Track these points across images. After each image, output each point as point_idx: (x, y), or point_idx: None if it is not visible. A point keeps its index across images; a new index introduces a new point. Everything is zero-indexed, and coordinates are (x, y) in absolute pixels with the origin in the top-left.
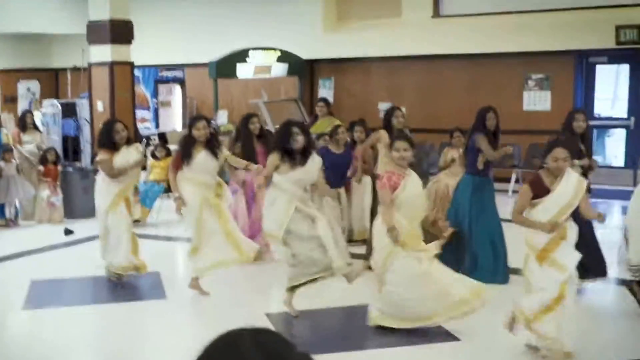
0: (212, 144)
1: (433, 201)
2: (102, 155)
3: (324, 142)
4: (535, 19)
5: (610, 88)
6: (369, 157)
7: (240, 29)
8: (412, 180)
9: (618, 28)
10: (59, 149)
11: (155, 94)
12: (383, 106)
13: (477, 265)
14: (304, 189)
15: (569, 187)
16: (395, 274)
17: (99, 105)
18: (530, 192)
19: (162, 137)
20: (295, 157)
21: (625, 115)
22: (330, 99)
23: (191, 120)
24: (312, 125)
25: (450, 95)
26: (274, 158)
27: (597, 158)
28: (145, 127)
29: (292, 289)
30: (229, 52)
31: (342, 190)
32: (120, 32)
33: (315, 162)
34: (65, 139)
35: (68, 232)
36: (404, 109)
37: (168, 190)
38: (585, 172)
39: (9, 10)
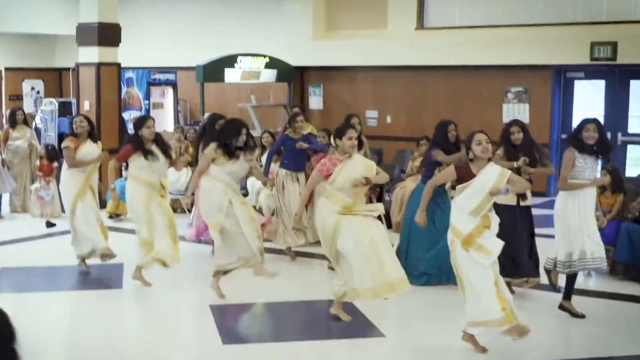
0: (162, 145)
1: (399, 206)
2: (66, 142)
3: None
4: (515, 32)
5: (587, 103)
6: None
7: (233, 35)
8: (353, 162)
9: (593, 44)
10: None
11: (147, 95)
12: (371, 114)
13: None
14: (237, 180)
15: (492, 174)
16: (347, 238)
17: (86, 105)
18: (454, 173)
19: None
20: (233, 151)
21: None
22: (320, 106)
23: (140, 120)
24: (285, 130)
25: (432, 105)
26: (211, 150)
27: None
28: None
29: (217, 273)
30: (217, 57)
31: (301, 175)
32: (108, 34)
33: (247, 158)
34: (60, 137)
35: (49, 224)
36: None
37: None
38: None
39: (15, 11)
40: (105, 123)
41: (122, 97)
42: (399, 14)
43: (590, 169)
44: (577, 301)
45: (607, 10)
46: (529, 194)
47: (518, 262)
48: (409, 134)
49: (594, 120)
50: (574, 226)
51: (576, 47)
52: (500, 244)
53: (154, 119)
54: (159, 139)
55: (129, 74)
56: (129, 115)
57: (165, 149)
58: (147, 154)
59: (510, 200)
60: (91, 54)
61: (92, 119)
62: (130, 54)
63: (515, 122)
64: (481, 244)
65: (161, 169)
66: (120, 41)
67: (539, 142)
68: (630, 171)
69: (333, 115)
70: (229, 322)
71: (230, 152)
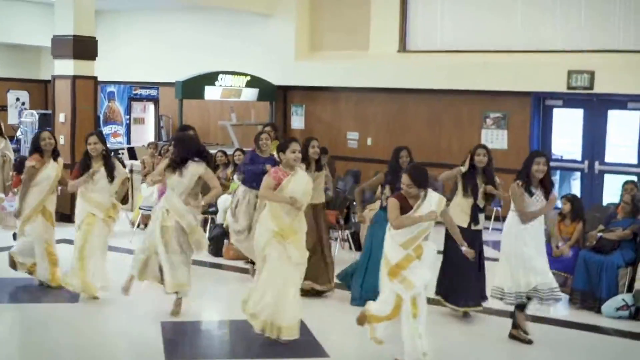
0: (108, 164)
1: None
2: (31, 161)
3: None
4: (495, 58)
5: (566, 131)
6: None
7: (216, 52)
8: (297, 179)
9: (570, 73)
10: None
11: (128, 110)
12: (352, 135)
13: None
14: (180, 194)
15: (431, 206)
16: (269, 262)
17: (61, 117)
18: (398, 203)
19: (131, 151)
20: (179, 166)
21: (579, 158)
22: (302, 126)
23: (86, 136)
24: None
25: (412, 128)
26: (164, 163)
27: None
28: (118, 141)
29: (133, 277)
30: (196, 74)
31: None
32: (83, 48)
33: (190, 172)
34: None
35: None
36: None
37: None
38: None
39: (0, 21)
40: (80, 136)
41: (103, 111)
42: (381, 36)
43: (541, 202)
44: (532, 328)
45: (585, 38)
46: (482, 218)
47: (457, 288)
48: (389, 156)
49: (544, 155)
50: (517, 257)
51: (554, 75)
52: (426, 277)
53: (97, 133)
54: (107, 157)
55: (110, 88)
56: (110, 130)
57: (110, 168)
58: (86, 172)
59: (461, 222)
60: (66, 67)
61: (67, 132)
62: (113, 68)
63: (483, 146)
64: (405, 276)
65: (106, 188)
66: (96, 55)
67: (518, 168)
68: (608, 200)
69: (314, 135)
70: (177, 339)
71: (174, 164)
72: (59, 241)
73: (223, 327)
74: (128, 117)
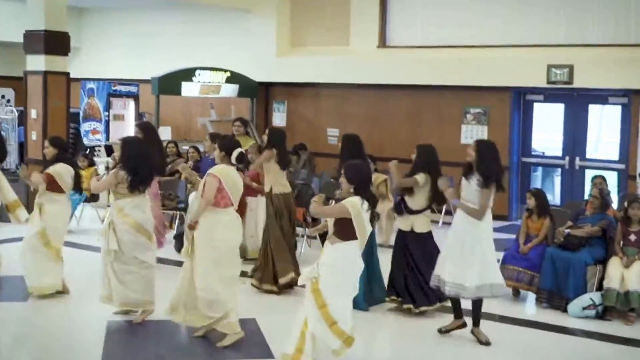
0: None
1: None
2: None
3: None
4: (475, 53)
5: (547, 126)
6: (263, 177)
7: (197, 49)
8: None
9: (549, 67)
10: (16, 155)
11: (107, 107)
12: (332, 132)
13: None
14: None
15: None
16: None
17: (33, 113)
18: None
19: (108, 148)
20: None
21: (560, 154)
22: (283, 123)
23: None
24: None
25: (393, 124)
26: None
27: None
28: (97, 138)
29: None
30: (171, 70)
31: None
32: (55, 43)
33: None
34: (20, 145)
35: None
36: None
37: (89, 199)
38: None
39: None
40: (52, 132)
41: (83, 107)
42: (361, 31)
43: (473, 191)
44: (493, 327)
45: (564, 32)
46: (421, 222)
47: (394, 283)
48: (371, 153)
49: (476, 141)
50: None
51: (533, 70)
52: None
53: (50, 138)
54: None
55: (90, 85)
56: (90, 126)
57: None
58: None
59: (403, 225)
60: (38, 63)
61: (39, 129)
62: (94, 65)
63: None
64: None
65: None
66: (69, 50)
67: None
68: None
69: (296, 132)
70: (118, 339)
71: None
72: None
73: (170, 328)
74: (107, 113)
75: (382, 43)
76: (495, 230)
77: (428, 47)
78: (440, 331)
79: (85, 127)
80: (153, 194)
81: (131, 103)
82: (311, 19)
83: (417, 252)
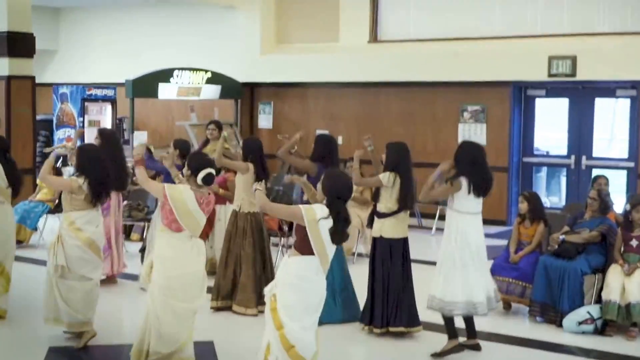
0: None
1: None
2: None
3: None
4: (471, 46)
5: (550, 124)
6: (231, 185)
7: (176, 49)
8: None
9: (551, 59)
10: None
11: (82, 112)
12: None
13: None
14: None
15: None
16: None
17: None
18: None
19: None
20: None
21: (565, 153)
22: (270, 125)
23: None
24: (202, 149)
25: (385, 124)
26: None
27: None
28: (72, 146)
29: None
30: (148, 71)
31: None
32: (19, 44)
33: None
34: None
35: None
36: None
37: (53, 211)
38: None
39: None
40: (17, 141)
41: (56, 114)
42: (351, 25)
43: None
44: (481, 345)
45: (566, 21)
46: (389, 227)
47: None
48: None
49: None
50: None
51: (534, 62)
52: None
53: None
54: None
55: (62, 90)
56: (64, 134)
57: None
58: None
59: (373, 231)
60: (1, 66)
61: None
62: (70, 68)
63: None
64: None
65: None
66: (34, 52)
67: (498, 165)
68: None
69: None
70: None
71: None
72: None
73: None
74: (82, 119)
75: (374, 38)
76: (492, 236)
77: (422, 41)
78: (436, 355)
79: (59, 134)
80: (104, 208)
81: (108, 108)
82: (298, 13)
83: (383, 261)
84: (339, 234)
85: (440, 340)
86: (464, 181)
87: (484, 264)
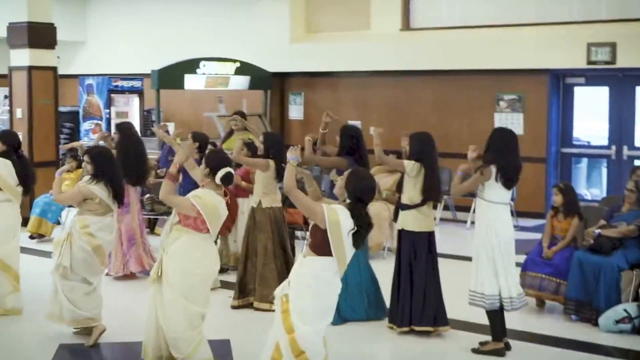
0: None
1: None
2: None
3: None
4: (508, 33)
5: (589, 113)
6: (254, 177)
7: (204, 39)
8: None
9: (589, 46)
10: None
11: (108, 104)
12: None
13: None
14: None
15: None
16: None
17: (18, 112)
18: None
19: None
20: None
21: (605, 143)
22: (300, 116)
23: None
24: (226, 140)
25: (419, 114)
26: None
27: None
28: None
29: None
30: (174, 61)
31: None
32: (39, 35)
33: None
34: None
35: None
36: None
37: None
38: None
39: None
40: (39, 133)
41: (82, 105)
42: (383, 13)
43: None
44: (512, 345)
45: (606, 7)
46: (411, 219)
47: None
48: (392, 146)
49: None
50: None
51: (572, 49)
52: None
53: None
54: None
55: (88, 81)
56: (90, 125)
57: None
58: None
59: (398, 224)
60: (22, 57)
61: (25, 128)
62: (97, 60)
63: None
64: None
65: None
66: (55, 43)
67: (535, 156)
68: None
69: (314, 126)
70: None
71: None
72: None
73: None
74: (108, 111)
75: (406, 25)
76: (529, 229)
77: (456, 28)
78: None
79: (85, 126)
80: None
81: (135, 99)
82: (328, 1)
83: (405, 255)
84: (361, 237)
85: (472, 340)
86: (493, 169)
87: (511, 259)
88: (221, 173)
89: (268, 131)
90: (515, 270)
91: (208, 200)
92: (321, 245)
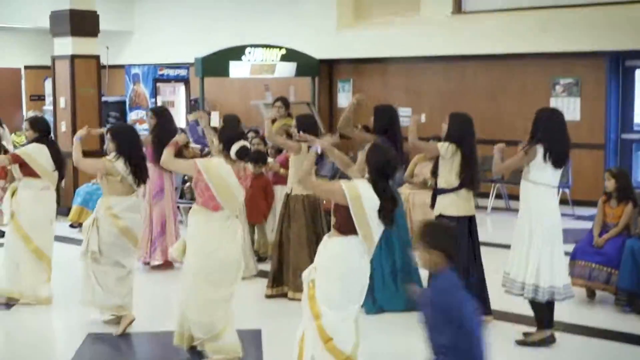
0: None
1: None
2: None
3: None
4: (564, 15)
5: None
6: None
7: (250, 26)
8: None
9: None
10: None
11: (154, 93)
12: (404, 112)
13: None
14: None
15: None
16: None
17: (62, 102)
18: None
19: None
20: None
21: None
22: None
23: None
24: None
25: (471, 99)
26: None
27: None
28: (144, 128)
29: None
30: (219, 49)
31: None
32: (82, 23)
33: None
34: None
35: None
36: None
37: None
38: None
39: (31, 5)
40: (82, 122)
41: (129, 95)
42: None
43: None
44: (559, 338)
45: None
46: (447, 204)
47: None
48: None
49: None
50: None
51: (631, 30)
52: None
53: (31, 119)
54: None
55: (135, 70)
56: (136, 115)
57: None
58: None
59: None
60: (65, 46)
61: (68, 118)
62: (145, 50)
63: None
64: None
65: None
66: (98, 31)
67: (593, 142)
68: None
69: (363, 114)
70: (94, 352)
71: None
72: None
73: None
74: (154, 100)
75: (457, 8)
76: (586, 218)
77: (509, 11)
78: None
79: (132, 116)
80: (157, 191)
81: (181, 88)
82: None
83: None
84: (387, 213)
85: (515, 332)
86: (539, 149)
87: (556, 247)
88: (236, 147)
89: (302, 114)
90: (563, 259)
91: (212, 164)
92: (346, 224)
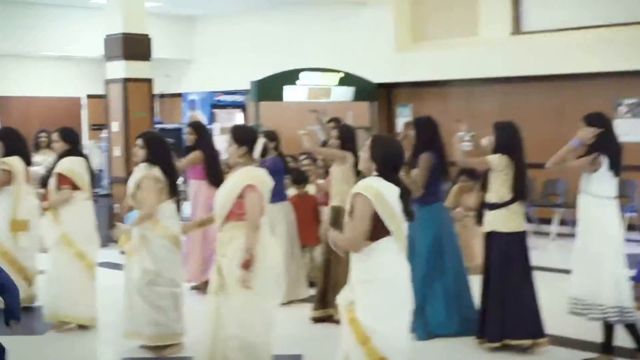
0: None
1: None
2: None
3: None
4: (628, 33)
5: None
6: None
7: (307, 51)
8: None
9: None
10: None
11: (211, 119)
12: (465, 136)
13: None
14: None
15: None
16: None
17: (115, 126)
18: None
19: None
20: None
21: None
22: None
23: None
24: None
25: (532, 122)
26: None
27: None
28: None
29: None
30: (273, 73)
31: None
32: (135, 47)
33: None
34: None
35: None
36: None
37: None
38: None
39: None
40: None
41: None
42: (492, 17)
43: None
44: None
45: None
46: (501, 219)
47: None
48: None
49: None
50: None
51: None
52: None
53: (62, 130)
54: None
55: (192, 97)
56: None
57: None
58: None
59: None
60: (118, 69)
61: (122, 142)
62: (203, 77)
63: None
64: None
65: None
66: (150, 54)
67: None
68: None
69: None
70: None
71: None
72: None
73: None
74: (211, 126)
75: (517, 29)
76: None
77: (569, 30)
78: None
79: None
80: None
81: (238, 114)
82: (433, 7)
83: (495, 260)
84: (406, 205)
85: (570, 357)
86: (605, 159)
87: (620, 263)
88: (260, 143)
89: (344, 124)
90: (627, 277)
91: (260, 178)
92: (374, 229)
